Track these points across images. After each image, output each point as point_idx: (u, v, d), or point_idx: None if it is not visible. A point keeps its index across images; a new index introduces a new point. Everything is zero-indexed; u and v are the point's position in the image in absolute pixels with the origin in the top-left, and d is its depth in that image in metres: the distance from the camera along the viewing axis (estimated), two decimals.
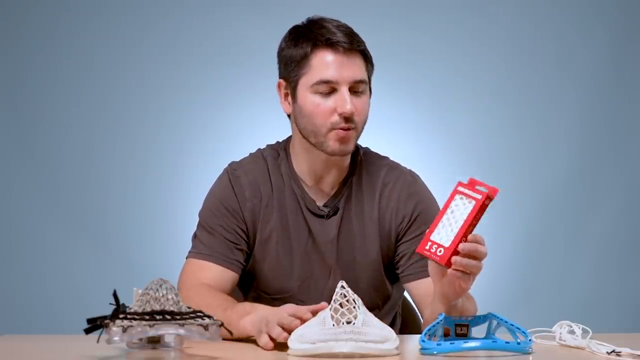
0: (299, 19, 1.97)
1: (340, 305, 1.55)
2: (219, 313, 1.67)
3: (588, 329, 1.70)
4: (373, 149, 2.08)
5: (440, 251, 1.64)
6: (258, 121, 3.45)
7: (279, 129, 2.07)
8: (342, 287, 1.56)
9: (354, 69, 1.90)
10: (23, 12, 3.68)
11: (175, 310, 1.52)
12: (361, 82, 1.91)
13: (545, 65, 3.80)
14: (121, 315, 1.50)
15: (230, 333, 1.64)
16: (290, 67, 1.93)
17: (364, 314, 1.55)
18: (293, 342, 1.57)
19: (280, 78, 1.98)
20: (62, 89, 3.68)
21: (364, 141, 2.02)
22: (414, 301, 2.01)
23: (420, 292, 1.95)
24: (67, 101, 3.69)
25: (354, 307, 1.54)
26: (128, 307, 1.54)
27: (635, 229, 3.80)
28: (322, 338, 1.52)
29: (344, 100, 1.88)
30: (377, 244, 1.99)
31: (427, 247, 1.66)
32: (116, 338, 1.48)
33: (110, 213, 3.67)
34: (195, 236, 2.00)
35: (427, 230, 1.67)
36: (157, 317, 1.50)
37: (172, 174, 3.68)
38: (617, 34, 3.79)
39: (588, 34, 3.79)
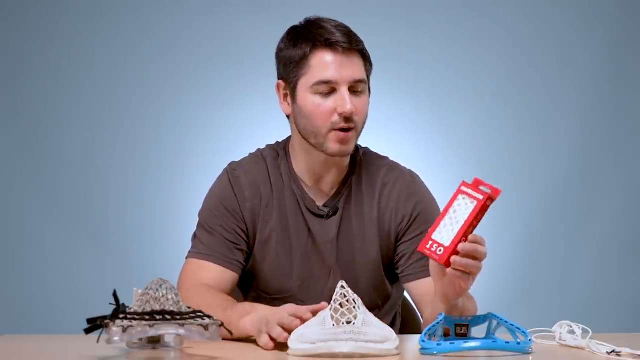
0: (299, 19, 1.97)
1: (340, 305, 1.55)
2: (219, 313, 1.67)
3: (588, 329, 1.70)
4: (373, 149, 2.08)
5: (440, 250, 1.65)
6: (258, 121, 3.45)
7: (279, 129, 2.07)
8: (342, 287, 1.56)
9: (353, 68, 1.90)
10: (23, 12, 3.68)
11: (175, 310, 1.52)
12: (361, 81, 1.91)
13: (545, 65, 3.80)
14: (121, 315, 1.50)
15: (230, 333, 1.64)
16: (290, 68, 1.93)
17: (364, 314, 1.55)
18: (293, 342, 1.57)
19: (279, 79, 1.98)
20: (62, 89, 3.69)
21: (364, 141, 2.02)
22: (413, 301, 2.01)
23: (420, 292, 1.95)
24: (67, 101, 3.69)
25: (354, 307, 1.54)
26: (128, 307, 1.54)
27: (635, 229, 3.80)
28: (322, 338, 1.52)
29: (344, 100, 1.88)
30: (376, 244, 1.99)
31: (428, 246, 1.66)
32: (116, 338, 1.48)
33: (110, 213, 3.67)
34: (195, 236, 2.00)
35: (430, 229, 1.68)
36: (157, 317, 1.50)
37: (172, 174, 3.68)
38: (617, 34, 3.79)
39: (588, 34, 3.79)
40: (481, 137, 3.78)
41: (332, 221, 1.99)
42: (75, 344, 1.77)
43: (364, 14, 3.64)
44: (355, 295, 1.56)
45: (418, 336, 1.64)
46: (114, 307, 1.53)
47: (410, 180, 2.02)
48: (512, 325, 1.64)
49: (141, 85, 3.71)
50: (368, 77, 1.94)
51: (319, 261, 1.99)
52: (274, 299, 1.98)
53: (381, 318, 1.78)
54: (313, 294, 1.97)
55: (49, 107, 3.68)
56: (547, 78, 3.81)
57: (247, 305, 1.77)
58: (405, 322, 2.21)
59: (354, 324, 1.53)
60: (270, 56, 2.00)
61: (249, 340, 1.72)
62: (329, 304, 1.56)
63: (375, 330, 1.54)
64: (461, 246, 1.64)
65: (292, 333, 1.58)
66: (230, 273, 1.95)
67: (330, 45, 1.89)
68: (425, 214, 1.99)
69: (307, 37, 1.91)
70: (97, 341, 1.52)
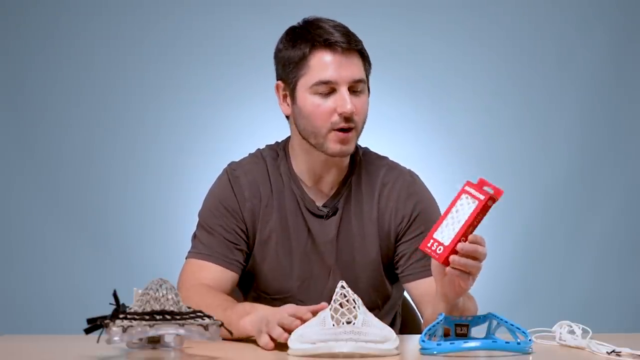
0: (299, 19, 1.97)
1: (340, 305, 1.55)
2: (219, 313, 1.67)
3: (588, 329, 1.70)
4: (373, 149, 2.08)
5: (440, 249, 1.65)
6: (258, 121, 3.45)
7: (279, 129, 2.07)
8: (342, 287, 1.56)
9: (353, 68, 1.90)
10: (23, 12, 3.68)
11: (175, 310, 1.52)
12: (360, 81, 1.91)
13: (545, 65, 3.80)
14: (121, 315, 1.50)
15: (230, 333, 1.64)
16: (289, 69, 1.92)
17: (364, 314, 1.55)
18: (293, 342, 1.57)
19: (277, 80, 1.97)
20: (62, 89, 3.68)
21: (364, 141, 2.02)
22: (413, 301, 2.01)
23: (420, 292, 1.95)
24: (67, 101, 3.69)
25: (354, 307, 1.54)
26: (128, 307, 1.54)
27: (635, 229, 3.80)
28: (322, 338, 1.52)
29: (344, 100, 1.88)
30: (376, 244, 1.99)
31: (429, 245, 1.67)
32: (116, 338, 1.48)
33: (110, 213, 3.67)
34: (194, 236, 2.00)
35: (432, 228, 1.68)
36: (157, 317, 1.50)
37: (172, 174, 3.68)
38: (617, 34, 3.79)
39: (588, 34, 3.79)
40: (481, 137, 3.78)
41: (332, 221, 1.99)
42: (75, 344, 1.77)
43: (364, 14, 3.64)
44: (355, 295, 1.56)
45: (418, 336, 1.64)
46: (114, 307, 1.53)
47: (410, 180, 2.02)
48: (512, 325, 1.64)
49: (141, 85, 3.71)
50: (367, 76, 1.94)
51: (318, 261, 1.99)
52: (274, 299, 1.98)
53: (381, 318, 1.78)
54: (313, 294, 1.97)
55: (49, 107, 3.68)
56: (547, 78, 3.81)
57: (247, 305, 1.77)
58: (405, 322, 2.21)
59: (354, 324, 1.53)
60: (270, 56, 2.00)
61: (249, 340, 1.72)
62: (329, 304, 1.56)
63: (375, 330, 1.54)
64: (460, 246, 1.64)
65: (292, 333, 1.58)
66: (230, 273, 1.95)
67: (329, 45, 1.89)
68: (424, 213, 1.99)
69: (305, 37, 1.91)
70: (97, 341, 1.52)
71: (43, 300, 3.60)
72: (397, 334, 1.60)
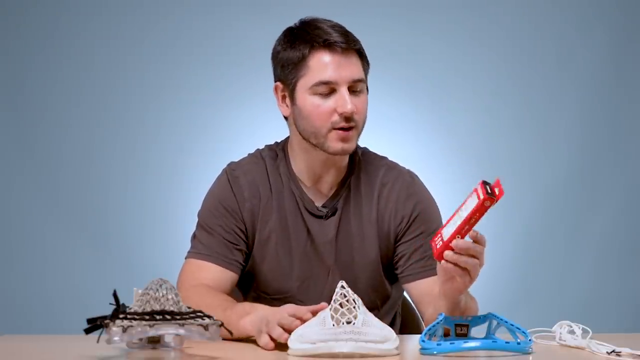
0: (299, 19, 1.97)
1: (340, 305, 1.55)
2: (219, 313, 1.67)
3: (588, 329, 1.70)
4: (373, 149, 2.08)
5: (439, 244, 1.66)
6: (258, 121, 3.45)
7: (278, 129, 2.07)
8: (342, 287, 1.57)
9: (352, 68, 1.90)
10: (23, 12, 3.68)
11: (175, 310, 1.52)
12: (359, 81, 1.91)
13: (545, 65, 3.80)
14: (121, 315, 1.50)
15: (230, 333, 1.64)
16: (288, 70, 1.92)
17: (364, 314, 1.55)
18: (293, 342, 1.57)
19: (276, 81, 1.97)
20: (62, 89, 3.69)
21: (363, 141, 2.02)
22: (413, 302, 2.01)
23: (420, 292, 1.95)
24: (67, 101, 3.69)
25: (354, 307, 1.54)
26: (128, 307, 1.54)
27: (635, 229, 3.80)
28: (322, 338, 1.52)
29: (344, 100, 1.88)
30: (375, 244, 1.99)
31: (435, 239, 1.69)
32: (116, 338, 1.48)
33: (110, 213, 3.68)
34: (194, 236, 2.00)
35: (445, 223, 1.70)
36: (157, 317, 1.50)
37: (172, 174, 3.68)
38: (617, 34, 3.79)
39: (588, 34, 3.79)
40: (481, 137, 3.78)
41: (331, 222, 1.99)
42: (75, 344, 1.77)
43: (364, 14, 3.64)
44: (355, 295, 1.56)
45: (418, 336, 1.65)
46: (114, 307, 1.53)
47: (409, 181, 2.02)
48: (512, 325, 1.64)
49: (141, 85, 3.71)
50: (366, 76, 1.94)
51: (317, 262, 1.99)
52: (274, 299, 1.98)
53: (381, 318, 1.78)
54: (312, 295, 1.97)
55: (49, 107, 3.68)
56: (547, 78, 3.81)
57: (247, 305, 1.78)
58: (405, 322, 2.21)
59: (354, 324, 1.53)
60: (270, 56, 2.00)
61: (249, 340, 1.72)
62: (329, 304, 1.56)
63: (375, 330, 1.54)
64: (454, 242, 1.65)
65: (292, 333, 1.58)
66: (230, 273, 1.95)
67: (328, 45, 1.89)
68: (424, 214, 1.99)
69: (304, 38, 1.91)
70: (97, 341, 1.52)
71: (43, 300, 3.60)
72: (397, 334, 1.60)
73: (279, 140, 2.06)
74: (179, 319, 1.50)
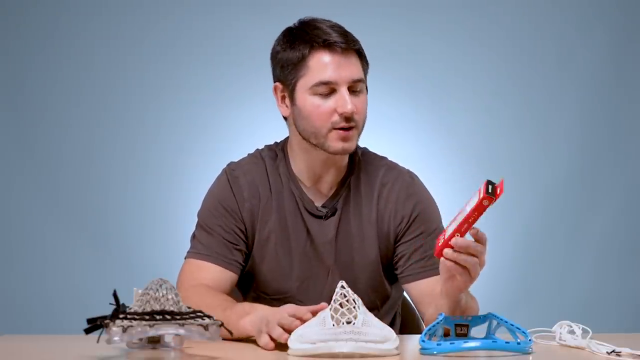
0: (298, 19, 1.97)
1: (340, 305, 1.55)
2: (219, 313, 1.67)
3: (588, 329, 1.70)
4: (373, 149, 2.08)
5: (441, 242, 1.67)
6: (258, 121, 3.45)
7: (278, 129, 2.07)
8: (342, 287, 1.57)
9: (352, 68, 1.90)
10: (23, 12, 3.68)
11: (175, 310, 1.52)
12: (359, 81, 1.91)
13: (545, 65, 3.80)
14: (121, 315, 1.50)
15: (230, 333, 1.64)
16: (287, 70, 1.92)
17: (364, 314, 1.55)
18: (293, 342, 1.57)
19: (275, 81, 1.97)
20: (62, 89, 3.69)
21: (364, 141, 2.02)
22: (413, 302, 2.01)
23: (420, 292, 1.95)
24: (67, 101, 3.69)
25: (354, 307, 1.54)
26: (128, 307, 1.54)
27: (635, 229, 3.80)
28: (322, 338, 1.52)
29: (345, 101, 1.88)
30: (375, 244, 1.99)
31: (440, 237, 1.69)
32: (116, 338, 1.48)
33: (110, 213, 3.68)
34: (194, 236, 2.00)
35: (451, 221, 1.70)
36: (157, 317, 1.50)
37: (172, 174, 3.68)
38: (617, 34, 3.79)
39: (588, 34, 3.79)
40: (481, 137, 3.78)
41: (331, 222, 1.99)
42: (75, 344, 1.77)
43: (364, 14, 3.64)
44: (355, 295, 1.56)
45: (418, 336, 1.65)
46: (114, 307, 1.53)
47: (409, 181, 2.02)
48: (512, 325, 1.64)
49: (141, 85, 3.71)
50: (365, 75, 1.94)
51: (317, 262, 1.99)
52: (273, 300, 1.98)
53: (380, 318, 1.78)
54: (312, 295, 1.97)
55: (49, 107, 3.68)
56: (547, 78, 3.81)
57: (247, 305, 1.77)
58: (405, 322, 2.21)
59: (354, 324, 1.53)
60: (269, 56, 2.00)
61: (249, 340, 1.72)
62: (328, 304, 1.56)
63: (375, 330, 1.54)
64: (453, 240, 1.65)
65: (292, 333, 1.58)
66: (229, 273, 1.95)
67: (328, 46, 1.89)
68: (424, 214, 1.99)
69: (304, 38, 1.91)
70: (97, 341, 1.52)
71: (43, 300, 3.60)
72: (397, 334, 1.60)
73: (278, 141, 2.06)
74: (179, 319, 1.50)
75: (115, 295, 1.54)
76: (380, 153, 2.08)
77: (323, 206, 1.99)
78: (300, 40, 1.91)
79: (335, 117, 1.89)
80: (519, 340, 1.61)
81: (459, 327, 1.70)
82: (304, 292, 1.99)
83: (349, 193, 2.00)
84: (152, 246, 3.62)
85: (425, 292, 1.93)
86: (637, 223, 3.80)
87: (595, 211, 3.79)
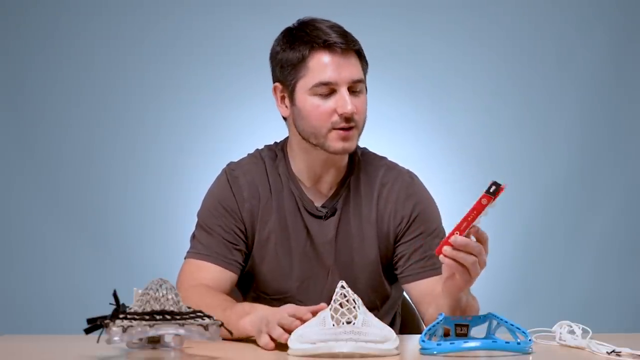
0: (298, 19, 1.97)
1: (340, 305, 1.55)
2: (218, 313, 1.67)
3: (588, 329, 1.70)
4: (373, 149, 2.08)
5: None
6: (258, 121, 3.45)
7: (278, 129, 2.07)
8: (342, 287, 1.57)
9: (351, 69, 1.90)
10: (23, 12, 3.68)
11: (175, 310, 1.52)
12: (359, 81, 1.91)
13: (545, 65, 3.80)
14: (121, 315, 1.50)
15: (230, 333, 1.64)
16: (287, 71, 1.92)
17: (364, 314, 1.55)
18: (293, 342, 1.57)
19: (275, 81, 1.97)
20: (62, 89, 3.69)
21: (364, 141, 2.02)
22: (413, 302, 2.01)
23: (419, 292, 1.95)
24: (67, 101, 3.69)
25: (354, 307, 1.54)
26: (128, 307, 1.54)
27: (635, 229, 3.80)
28: (322, 338, 1.52)
29: (345, 101, 1.88)
30: (375, 245, 1.99)
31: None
32: (116, 338, 1.48)
33: (110, 213, 3.68)
34: (193, 236, 2.00)
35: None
36: (157, 317, 1.50)
37: (172, 174, 3.68)
38: (617, 34, 3.79)
39: (588, 34, 3.79)
40: (481, 137, 3.78)
41: (331, 222, 1.99)
42: (75, 344, 1.77)
43: (364, 14, 3.64)
44: (355, 295, 1.56)
45: (418, 336, 1.65)
46: (114, 307, 1.53)
47: (409, 181, 2.02)
48: (512, 325, 1.64)
49: (141, 85, 3.71)
50: (365, 76, 1.94)
51: (317, 262, 1.99)
52: (273, 300, 1.98)
53: (380, 318, 1.78)
54: (312, 295, 1.97)
55: (49, 107, 3.68)
56: (547, 78, 3.81)
57: (247, 306, 1.77)
58: (405, 322, 2.21)
59: (354, 324, 1.53)
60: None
61: (249, 340, 1.72)
62: (328, 304, 1.56)
63: (375, 330, 1.54)
64: (452, 239, 1.65)
65: (292, 333, 1.58)
66: (229, 273, 1.95)
67: (328, 46, 1.89)
68: (424, 214, 1.99)
69: (303, 39, 1.91)
70: (97, 341, 1.52)
71: (43, 300, 3.60)
72: (397, 334, 1.60)
73: (278, 141, 2.06)
74: (179, 319, 1.50)
75: (115, 295, 1.54)
76: (380, 153, 2.08)
77: (323, 206, 1.99)
78: (300, 40, 1.91)
79: (335, 118, 1.89)
80: (519, 340, 1.61)
81: (459, 327, 1.70)
82: (303, 292, 1.99)
83: (348, 193, 2.00)
84: (152, 246, 3.62)
85: (425, 292, 1.93)
86: (637, 223, 3.80)
87: (595, 211, 3.79)
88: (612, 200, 3.80)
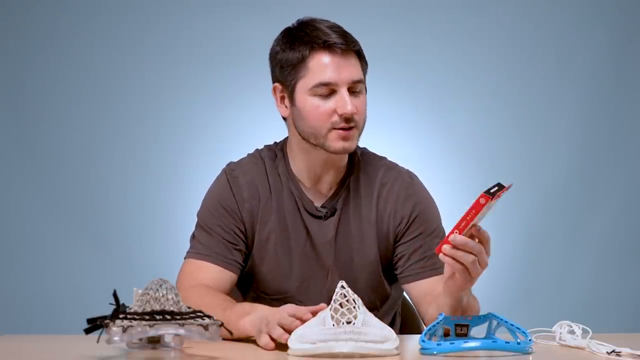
0: (297, 19, 1.97)
1: (340, 305, 1.55)
2: (218, 313, 1.67)
3: (588, 329, 1.70)
4: (373, 149, 2.08)
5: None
6: (258, 121, 3.44)
7: (278, 130, 2.07)
8: (342, 287, 1.57)
9: (351, 69, 1.90)
10: (23, 12, 3.68)
11: (175, 310, 1.52)
12: (359, 82, 1.91)
13: (545, 65, 3.80)
14: (121, 315, 1.50)
15: (230, 333, 1.64)
16: (287, 71, 1.92)
17: (364, 314, 1.55)
18: (293, 342, 1.57)
19: (274, 82, 1.97)
20: (62, 89, 3.69)
21: (364, 141, 2.02)
22: (413, 302, 2.01)
23: (419, 292, 1.95)
24: (67, 101, 3.69)
25: (354, 307, 1.54)
26: (128, 307, 1.54)
27: (635, 229, 3.80)
28: (322, 338, 1.52)
29: (345, 102, 1.88)
30: (375, 245, 1.99)
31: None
32: (116, 338, 1.48)
33: (110, 213, 3.67)
34: (193, 236, 2.00)
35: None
36: (157, 317, 1.50)
37: (172, 174, 3.68)
38: (617, 34, 3.79)
39: (588, 34, 3.79)
40: (481, 137, 3.78)
41: (330, 222, 1.99)
42: (75, 344, 1.77)
43: (364, 14, 3.64)
44: (355, 295, 1.56)
45: (418, 336, 1.65)
46: (114, 307, 1.53)
47: (409, 181, 2.02)
48: (512, 325, 1.64)
49: (141, 85, 3.71)
50: (364, 76, 1.94)
51: (317, 262, 1.99)
52: (273, 300, 1.98)
53: (380, 318, 1.78)
54: (312, 295, 1.97)
55: (49, 107, 3.68)
56: (547, 78, 3.81)
57: (247, 306, 1.77)
58: (405, 322, 2.21)
59: (354, 324, 1.53)
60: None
61: (249, 340, 1.72)
62: (328, 304, 1.56)
63: (375, 330, 1.54)
64: (451, 237, 1.66)
65: (292, 333, 1.58)
66: (229, 273, 1.95)
67: (328, 47, 1.89)
68: (423, 214, 1.99)
69: (303, 39, 1.91)
70: (97, 341, 1.52)
71: (43, 300, 3.60)
72: (397, 334, 1.60)
73: (277, 141, 2.06)
74: (179, 319, 1.50)
75: (115, 295, 1.54)
76: (380, 153, 2.07)
77: (322, 206, 1.99)
78: (300, 41, 1.91)
79: (335, 118, 1.89)
80: (519, 340, 1.61)
81: (459, 327, 1.70)
82: (303, 292, 1.99)
83: (348, 193, 2.00)
84: (152, 246, 3.62)
85: (425, 293, 1.93)
86: (637, 223, 3.80)
87: (595, 211, 3.79)
88: (612, 200, 3.80)
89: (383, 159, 2.06)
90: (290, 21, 1.97)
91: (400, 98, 3.72)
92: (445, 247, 1.66)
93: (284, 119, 2.00)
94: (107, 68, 3.69)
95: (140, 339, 1.60)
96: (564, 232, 3.79)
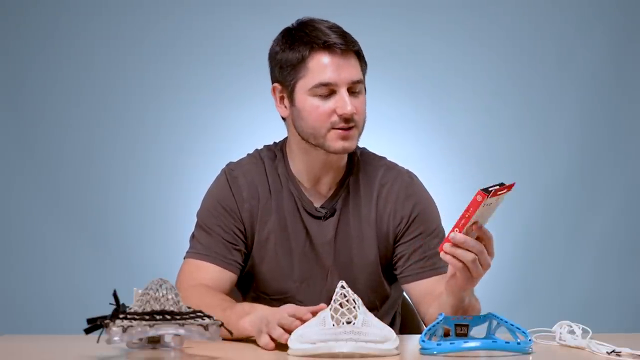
0: (297, 19, 1.97)
1: (340, 305, 1.55)
2: (218, 313, 1.67)
3: (588, 329, 1.70)
4: (373, 149, 2.08)
5: None
6: (258, 121, 3.44)
7: (278, 129, 2.07)
8: (342, 287, 1.57)
9: (351, 69, 1.90)
10: (23, 12, 3.68)
11: (175, 310, 1.52)
12: (358, 82, 1.91)
13: (545, 65, 3.80)
14: (121, 315, 1.50)
15: (230, 333, 1.64)
16: (286, 71, 1.92)
17: (364, 314, 1.55)
18: (293, 342, 1.57)
19: (274, 82, 1.97)
20: (62, 89, 3.68)
21: (364, 141, 2.02)
22: (412, 302, 2.01)
23: (419, 292, 1.95)
24: (67, 101, 3.69)
25: (354, 307, 1.54)
26: (128, 307, 1.54)
27: (635, 229, 3.79)
28: (322, 338, 1.52)
29: (344, 102, 1.88)
30: (374, 245, 1.99)
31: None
32: (116, 338, 1.48)
33: (110, 213, 3.67)
34: (193, 236, 2.00)
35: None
36: (157, 317, 1.50)
37: (172, 174, 3.68)
38: (617, 34, 3.79)
39: (588, 34, 3.79)
40: (481, 137, 3.78)
41: (330, 222, 1.99)
42: (75, 344, 1.77)
43: (364, 14, 3.64)
44: (355, 295, 1.56)
45: (418, 336, 1.65)
46: (114, 307, 1.53)
47: (408, 181, 2.02)
48: (512, 325, 1.64)
49: (141, 85, 3.71)
50: (364, 76, 1.94)
51: (316, 262, 1.99)
52: (273, 300, 1.98)
53: (380, 318, 1.78)
54: (311, 295, 1.97)
55: (49, 107, 3.68)
56: (547, 78, 3.81)
57: (247, 306, 1.77)
58: (405, 322, 2.21)
59: (354, 324, 1.53)
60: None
61: (249, 340, 1.72)
62: (328, 304, 1.56)
63: (375, 330, 1.54)
64: (451, 235, 1.66)
65: (292, 333, 1.58)
66: (229, 273, 1.95)
67: (328, 47, 1.89)
68: (423, 214, 1.99)
69: (303, 39, 1.91)
70: (97, 341, 1.52)
71: (43, 300, 3.60)
72: (397, 334, 1.60)
73: (277, 141, 2.06)
74: (179, 319, 1.50)
75: (115, 295, 1.54)
76: (380, 153, 2.07)
77: (322, 207, 1.99)
78: (300, 41, 1.91)
79: (335, 118, 1.89)
80: (519, 340, 1.61)
81: (459, 327, 1.70)
82: (303, 292, 1.99)
83: (348, 194, 2.00)
84: (152, 246, 3.62)
85: (425, 293, 1.93)
86: (637, 223, 3.80)
87: (595, 211, 3.79)
88: (612, 200, 3.80)
89: (383, 159, 2.06)
90: (290, 21, 1.97)
91: (400, 98, 3.72)
92: (446, 246, 1.67)
93: (284, 119, 2.00)
94: (107, 68, 3.69)
95: (140, 339, 1.60)
96: (564, 232, 3.79)
